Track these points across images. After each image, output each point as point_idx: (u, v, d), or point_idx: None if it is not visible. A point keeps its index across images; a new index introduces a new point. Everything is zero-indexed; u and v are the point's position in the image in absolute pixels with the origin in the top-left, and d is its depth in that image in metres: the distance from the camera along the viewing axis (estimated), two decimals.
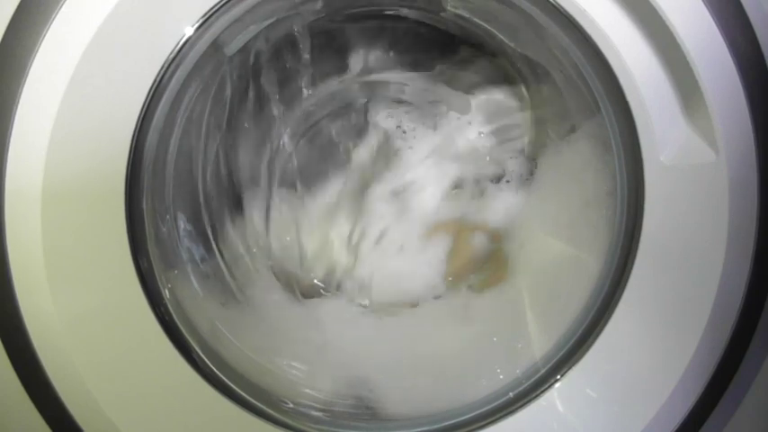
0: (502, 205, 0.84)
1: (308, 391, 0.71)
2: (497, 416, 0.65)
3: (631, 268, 0.62)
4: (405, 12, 0.79)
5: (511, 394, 0.66)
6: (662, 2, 0.55)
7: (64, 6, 0.53)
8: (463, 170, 0.86)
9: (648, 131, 0.60)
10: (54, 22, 0.53)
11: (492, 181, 0.85)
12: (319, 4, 0.73)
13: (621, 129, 0.62)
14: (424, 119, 0.87)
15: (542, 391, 0.65)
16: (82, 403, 0.58)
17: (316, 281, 0.84)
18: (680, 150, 0.60)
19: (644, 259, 0.62)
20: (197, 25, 0.58)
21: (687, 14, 0.55)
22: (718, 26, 0.56)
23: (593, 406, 0.64)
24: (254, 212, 0.84)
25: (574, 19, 0.59)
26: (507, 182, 0.84)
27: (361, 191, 0.88)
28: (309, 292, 0.84)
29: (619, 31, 0.58)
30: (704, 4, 0.55)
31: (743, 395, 0.61)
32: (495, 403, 0.66)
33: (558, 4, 0.59)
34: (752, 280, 0.59)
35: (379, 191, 0.86)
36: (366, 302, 0.84)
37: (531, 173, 0.82)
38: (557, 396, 0.64)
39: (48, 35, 0.53)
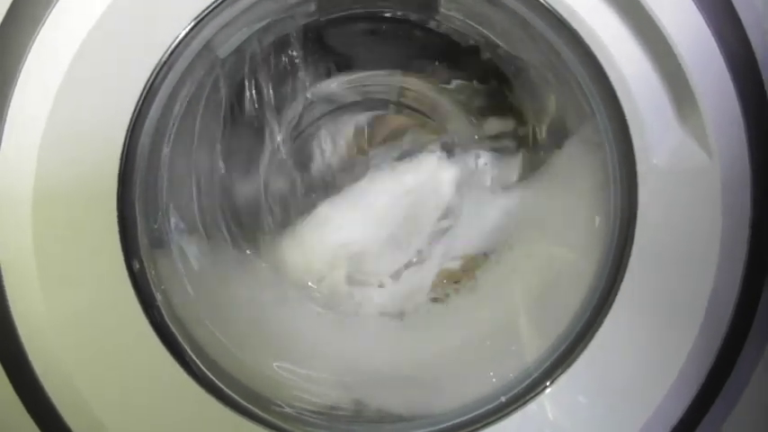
0: (496, 210, 0.84)
1: (301, 394, 0.70)
2: (489, 419, 0.65)
3: (625, 271, 0.62)
4: (398, 14, 0.80)
5: (503, 398, 0.66)
6: (655, 6, 0.55)
7: (55, 8, 0.53)
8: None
9: (642, 135, 0.60)
10: (45, 23, 0.53)
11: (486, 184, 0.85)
12: (313, 7, 0.73)
13: (615, 132, 0.62)
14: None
15: (534, 396, 0.65)
16: (72, 405, 0.58)
17: (310, 283, 0.84)
18: (673, 154, 0.60)
19: (637, 262, 0.62)
20: (189, 27, 0.58)
21: (680, 18, 0.56)
22: (710, 30, 0.56)
23: (584, 411, 0.64)
24: (247, 213, 0.83)
25: (567, 22, 0.59)
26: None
27: (357, 195, 0.88)
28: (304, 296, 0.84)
29: (612, 34, 0.58)
30: (697, 8, 0.56)
31: (734, 403, 0.61)
32: (488, 407, 0.66)
33: (552, 7, 0.59)
34: (745, 283, 0.59)
35: (375, 196, 0.86)
36: (361, 307, 0.84)
37: (525, 176, 0.82)
38: (547, 402, 0.64)
39: (39, 37, 0.53)
